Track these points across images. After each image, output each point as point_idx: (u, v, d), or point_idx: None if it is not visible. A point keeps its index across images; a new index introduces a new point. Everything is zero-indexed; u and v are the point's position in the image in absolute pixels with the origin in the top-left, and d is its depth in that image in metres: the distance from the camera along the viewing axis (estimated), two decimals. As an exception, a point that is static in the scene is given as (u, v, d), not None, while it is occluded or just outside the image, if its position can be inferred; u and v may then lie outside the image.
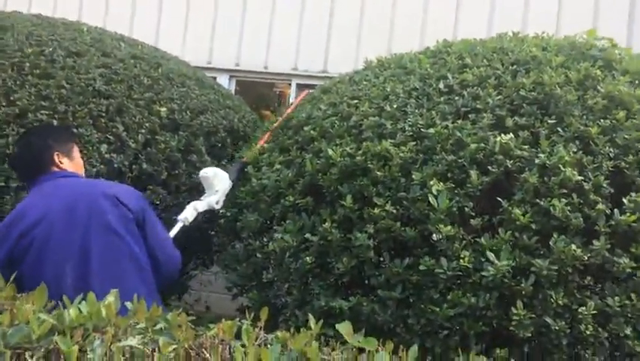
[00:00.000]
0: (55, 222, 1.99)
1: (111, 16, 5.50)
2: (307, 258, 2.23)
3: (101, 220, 1.99)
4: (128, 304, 1.33)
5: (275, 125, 2.76)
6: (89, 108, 2.77)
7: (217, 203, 2.60)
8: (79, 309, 1.23)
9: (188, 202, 2.58)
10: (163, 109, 3.00)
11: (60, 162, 2.15)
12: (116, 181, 2.58)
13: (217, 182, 2.58)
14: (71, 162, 2.21)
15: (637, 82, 2.35)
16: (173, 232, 2.40)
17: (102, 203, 2.02)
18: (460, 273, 1.93)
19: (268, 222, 2.52)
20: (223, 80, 5.31)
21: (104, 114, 2.80)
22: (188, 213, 2.49)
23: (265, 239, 2.48)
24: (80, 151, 2.37)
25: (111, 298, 1.39)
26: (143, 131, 2.90)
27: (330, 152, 2.34)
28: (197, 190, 3.16)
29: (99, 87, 2.87)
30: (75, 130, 2.63)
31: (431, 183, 2.07)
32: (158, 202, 2.90)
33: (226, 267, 2.80)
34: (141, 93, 3.01)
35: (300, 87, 5.32)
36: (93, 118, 2.77)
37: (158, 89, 3.10)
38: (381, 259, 2.13)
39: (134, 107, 2.93)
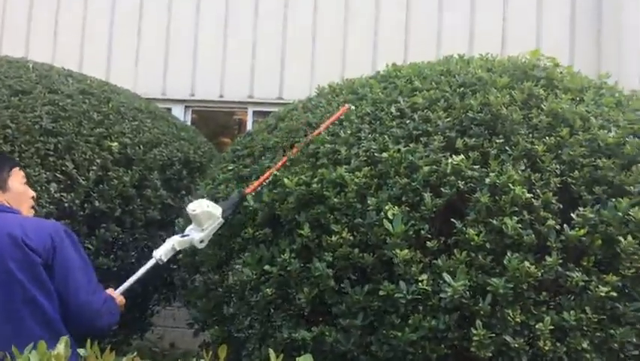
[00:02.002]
0: None
1: (59, 51, 5.40)
2: (267, 290, 2.20)
3: (1, 266, 1.85)
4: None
5: (294, 150, 2.49)
6: (36, 147, 2.70)
7: (201, 242, 2.32)
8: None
9: (163, 239, 2.39)
10: (114, 144, 2.95)
11: None
12: (63, 221, 2.48)
13: (205, 219, 2.29)
14: (7, 194, 2.05)
15: (578, 99, 2.44)
16: (143, 270, 2.26)
17: (5, 246, 1.86)
18: (420, 296, 1.93)
19: (227, 255, 2.48)
20: (178, 111, 5.28)
21: (52, 153, 2.73)
22: (165, 251, 2.27)
23: (225, 273, 2.44)
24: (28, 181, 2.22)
25: (61, 346, 1.34)
26: (94, 167, 2.83)
27: (287, 181, 2.33)
28: (155, 225, 3.11)
29: (46, 125, 2.80)
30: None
31: (386, 207, 2.08)
32: (112, 240, 2.83)
33: (188, 303, 2.74)
34: (91, 129, 2.95)
35: (257, 114, 5.33)
36: (41, 157, 2.70)
37: (108, 124, 3.05)
38: (342, 286, 2.11)
39: (83, 143, 2.87)
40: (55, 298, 1.88)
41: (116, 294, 2.22)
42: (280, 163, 2.45)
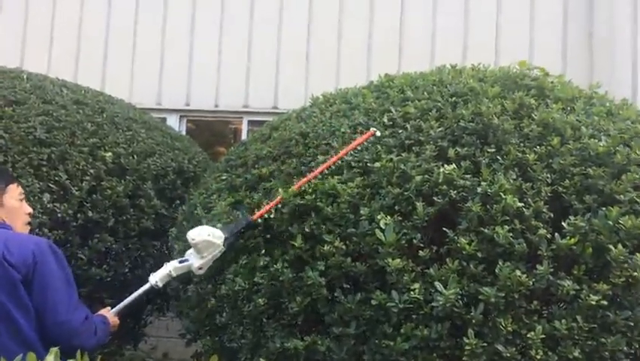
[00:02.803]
0: None
1: (54, 61, 5.41)
2: (260, 299, 2.20)
3: None
4: None
5: (319, 169, 2.32)
6: (29, 157, 2.69)
7: (200, 269, 2.24)
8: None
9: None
10: (108, 154, 2.95)
11: None
12: (56, 232, 2.46)
13: (205, 248, 2.20)
14: (0, 209, 2.05)
15: (569, 108, 2.46)
16: (138, 293, 2.22)
17: None
18: (412, 305, 1.93)
19: (220, 264, 2.48)
20: (173, 121, 5.28)
21: (45, 163, 2.73)
22: (161, 276, 2.22)
23: (218, 282, 2.43)
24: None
25: (50, 357, 1.34)
26: (87, 177, 2.83)
27: (281, 191, 2.34)
28: (148, 235, 3.11)
29: (40, 135, 2.80)
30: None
31: (378, 217, 2.09)
32: (105, 250, 2.82)
33: (180, 313, 2.73)
34: (85, 139, 2.95)
35: (252, 124, 5.35)
36: (34, 167, 2.70)
37: (102, 134, 3.06)
38: (335, 295, 2.11)
39: (77, 153, 2.87)
40: (32, 317, 1.86)
41: (110, 314, 2.20)
42: (305, 179, 2.31)
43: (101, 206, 2.84)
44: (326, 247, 2.11)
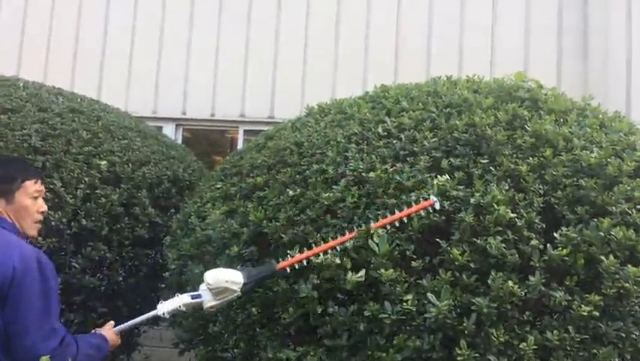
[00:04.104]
0: None
1: (51, 70, 5.43)
2: (253, 309, 2.19)
3: None
4: None
5: (386, 220, 2.10)
6: (24, 165, 2.68)
7: (211, 307, 2.12)
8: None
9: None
10: (103, 162, 2.95)
11: None
12: (47, 240, 2.43)
13: (221, 293, 2.07)
14: (9, 206, 1.96)
15: (562, 120, 2.48)
16: (143, 318, 2.14)
17: None
18: (404, 317, 1.93)
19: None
20: (169, 129, 5.30)
21: (40, 171, 2.73)
22: (170, 309, 2.11)
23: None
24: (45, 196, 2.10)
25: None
26: (82, 186, 2.83)
27: (275, 199, 2.35)
28: (142, 244, 3.10)
29: (35, 143, 2.80)
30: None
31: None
32: (99, 258, 2.81)
33: (173, 322, 2.72)
34: (80, 147, 2.96)
35: (248, 133, 5.36)
36: (29, 175, 2.69)
37: (97, 143, 3.06)
38: (329, 308, 2.11)
39: (72, 161, 2.87)
40: (1, 334, 1.74)
41: (111, 332, 2.12)
42: (324, 247, 2.12)
43: (95, 214, 2.83)
44: (320, 258, 2.11)
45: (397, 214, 2.10)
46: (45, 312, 1.81)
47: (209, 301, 2.08)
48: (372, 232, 2.05)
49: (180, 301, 2.11)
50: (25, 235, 2.04)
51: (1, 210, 1.95)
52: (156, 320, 3.48)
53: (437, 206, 2.09)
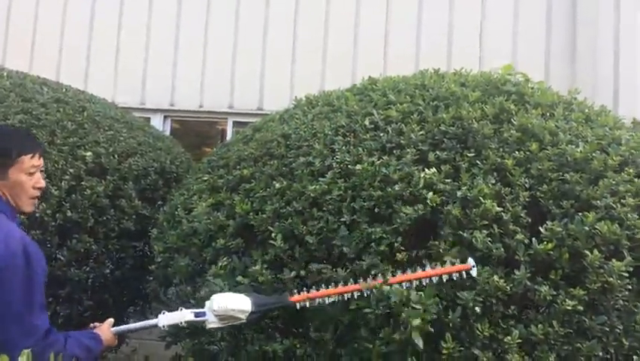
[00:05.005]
0: None
1: (37, 61, 5.36)
2: (239, 302, 2.18)
3: None
4: None
5: (408, 276, 1.97)
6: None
7: (213, 328, 2.06)
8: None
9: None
10: (88, 153, 2.92)
11: None
12: (32, 232, 2.39)
13: (226, 318, 2.00)
14: (3, 182, 1.84)
15: (548, 114, 2.48)
16: (142, 324, 2.07)
17: None
18: (390, 310, 1.93)
19: (200, 266, 2.47)
20: (157, 120, 5.26)
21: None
22: (171, 322, 2.04)
23: (198, 284, 2.42)
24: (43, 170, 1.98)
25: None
26: (66, 177, 2.80)
27: (261, 192, 2.34)
28: (129, 236, 3.08)
29: (18, 134, 2.75)
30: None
31: (359, 220, 2.09)
32: (84, 251, 2.79)
33: (159, 315, 2.71)
34: (64, 138, 2.92)
35: (237, 125, 5.33)
36: (12, 166, 2.65)
37: (82, 134, 3.02)
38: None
39: (56, 152, 2.84)
40: None
41: (109, 332, 2.01)
42: (346, 289, 2.01)
43: (81, 206, 2.81)
44: (306, 249, 2.11)
45: (423, 272, 1.95)
46: (27, 306, 1.71)
47: (212, 322, 2.01)
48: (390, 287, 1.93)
49: (182, 317, 2.02)
50: (21, 212, 1.93)
51: None
52: (144, 312, 3.49)
53: (474, 273, 1.93)
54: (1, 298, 1.67)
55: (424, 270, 1.94)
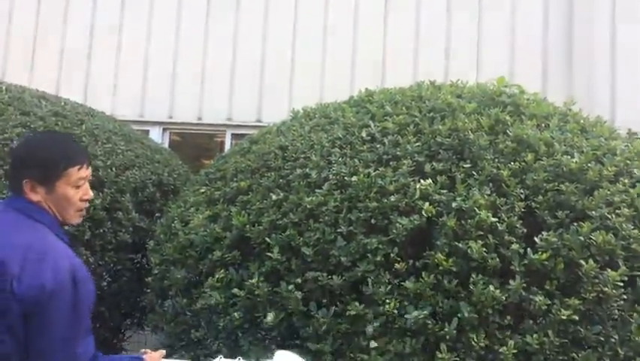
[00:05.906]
0: None
1: (36, 75, 5.39)
2: (235, 313, 2.18)
3: None
4: None
5: None
6: (4, 170, 2.66)
7: None
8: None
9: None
10: (86, 166, 2.92)
11: (30, 190, 1.67)
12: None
13: None
14: (49, 195, 1.70)
15: (543, 125, 2.49)
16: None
17: None
18: (386, 319, 1.93)
19: (196, 278, 2.47)
20: (156, 133, 5.27)
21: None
22: None
23: (194, 296, 2.42)
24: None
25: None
26: (64, 190, 2.80)
27: (258, 204, 2.35)
28: (126, 249, 3.08)
29: (16, 147, 2.77)
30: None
31: (356, 231, 2.10)
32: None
33: (155, 327, 2.70)
34: (63, 151, 2.92)
35: (235, 137, 5.35)
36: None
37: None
38: (310, 309, 2.11)
39: (54, 165, 2.84)
40: (21, 351, 1.57)
41: None
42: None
43: (78, 218, 2.80)
44: (303, 260, 2.11)
45: None
46: (72, 334, 1.62)
47: None
48: None
49: None
50: (68, 224, 1.82)
51: (41, 199, 1.70)
52: (141, 325, 3.47)
53: None
54: (47, 328, 1.59)
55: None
